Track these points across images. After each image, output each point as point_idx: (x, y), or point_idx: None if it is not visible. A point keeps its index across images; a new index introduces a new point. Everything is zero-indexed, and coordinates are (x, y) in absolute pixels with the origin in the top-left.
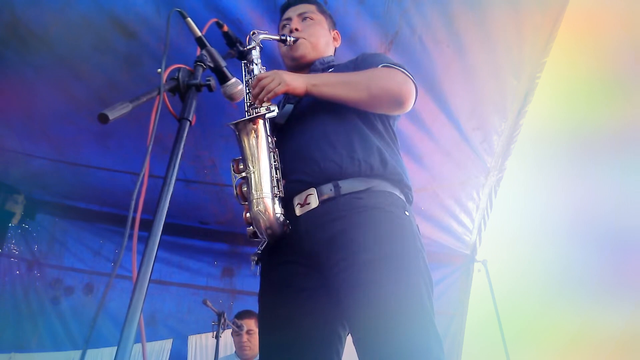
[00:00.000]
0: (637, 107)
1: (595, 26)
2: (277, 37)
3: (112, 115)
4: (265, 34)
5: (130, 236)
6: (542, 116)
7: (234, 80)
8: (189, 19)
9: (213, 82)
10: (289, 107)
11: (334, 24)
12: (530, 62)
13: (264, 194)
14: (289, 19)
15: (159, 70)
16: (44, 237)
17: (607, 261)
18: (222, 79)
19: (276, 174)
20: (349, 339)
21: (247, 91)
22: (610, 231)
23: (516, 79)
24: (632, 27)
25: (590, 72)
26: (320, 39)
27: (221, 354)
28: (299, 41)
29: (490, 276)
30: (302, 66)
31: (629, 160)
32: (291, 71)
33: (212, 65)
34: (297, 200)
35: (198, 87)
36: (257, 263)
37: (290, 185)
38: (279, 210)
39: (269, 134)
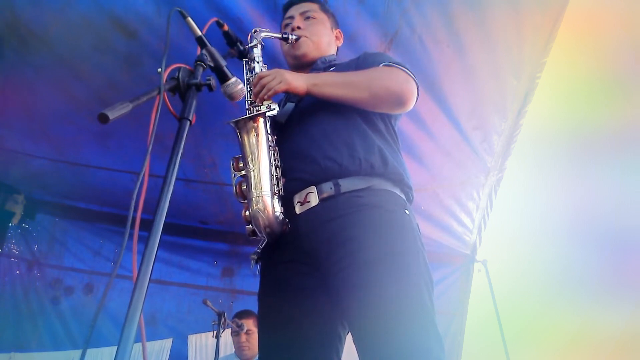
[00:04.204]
0: (637, 107)
1: (595, 26)
2: (279, 35)
3: (112, 115)
4: (267, 32)
5: (130, 236)
6: (542, 116)
7: (234, 79)
8: (189, 19)
9: (213, 81)
10: (290, 105)
11: (336, 23)
12: (530, 62)
13: (263, 193)
14: (292, 17)
15: (159, 69)
16: (44, 237)
17: (607, 261)
18: (222, 78)
19: (276, 172)
20: (348, 338)
21: (248, 89)
22: (610, 231)
23: (516, 79)
24: (632, 27)
25: (590, 72)
26: (322, 38)
27: (221, 354)
28: (301, 39)
29: (490, 276)
30: (304, 65)
31: (629, 160)
32: (293, 70)
33: (212, 64)
34: (297, 198)
35: (198, 87)
36: (256, 262)
37: (291, 183)
38: (278, 208)
39: (269, 132)
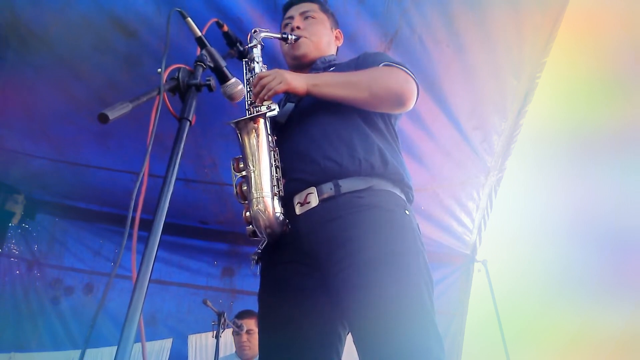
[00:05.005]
0: (637, 107)
1: (595, 26)
2: (279, 36)
3: (112, 115)
4: (267, 32)
5: (130, 236)
6: (542, 116)
7: (233, 80)
8: (189, 19)
9: (213, 82)
10: (290, 105)
11: (336, 23)
12: (530, 62)
13: (263, 193)
14: (291, 17)
15: (159, 70)
16: (44, 237)
17: (607, 261)
18: (222, 78)
19: (276, 173)
20: (348, 338)
21: (248, 89)
22: (610, 231)
23: (516, 79)
24: (632, 27)
25: (590, 72)
26: (322, 38)
27: (221, 354)
28: (301, 40)
29: (490, 276)
30: (304, 65)
31: (629, 160)
32: (292, 70)
33: (212, 65)
34: (297, 199)
35: (198, 87)
36: (257, 262)
37: (291, 184)
38: (278, 209)
39: (269, 132)
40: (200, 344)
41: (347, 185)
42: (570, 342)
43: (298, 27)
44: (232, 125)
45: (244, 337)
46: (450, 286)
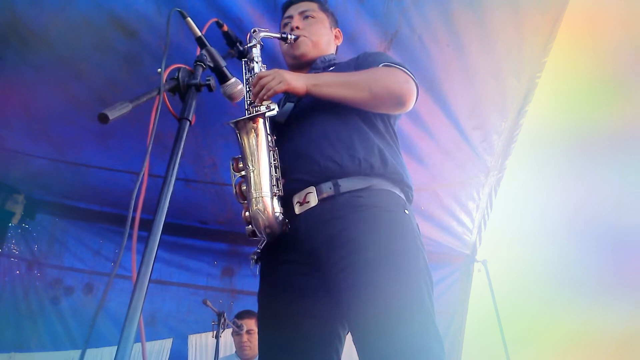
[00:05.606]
0: (637, 107)
1: (595, 26)
2: (278, 35)
3: (112, 115)
4: (266, 31)
5: (130, 236)
6: (542, 116)
7: (233, 80)
8: (189, 19)
9: (213, 81)
10: (289, 105)
11: (335, 23)
12: (530, 62)
13: (263, 193)
14: (290, 17)
15: (159, 70)
16: (44, 237)
17: (607, 261)
18: (222, 78)
19: (276, 172)
20: (348, 338)
21: (248, 89)
22: (610, 231)
23: (516, 79)
24: (632, 27)
25: (590, 72)
26: (321, 37)
27: (221, 354)
28: (300, 39)
29: (490, 276)
30: (303, 64)
31: (629, 160)
32: (292, 69)
33: (212, 65)
34: (296, 198)
35: (198, 87)
36: (256, 262)
37: (290, 184)
38: (278, 209)
39: (268, 132)
40: (200, 344)
41: (346, 184)
42: (570, 342)
43: (297, 27)
44: (231, 125)
45: (245, 337)
46: (450, 286)
